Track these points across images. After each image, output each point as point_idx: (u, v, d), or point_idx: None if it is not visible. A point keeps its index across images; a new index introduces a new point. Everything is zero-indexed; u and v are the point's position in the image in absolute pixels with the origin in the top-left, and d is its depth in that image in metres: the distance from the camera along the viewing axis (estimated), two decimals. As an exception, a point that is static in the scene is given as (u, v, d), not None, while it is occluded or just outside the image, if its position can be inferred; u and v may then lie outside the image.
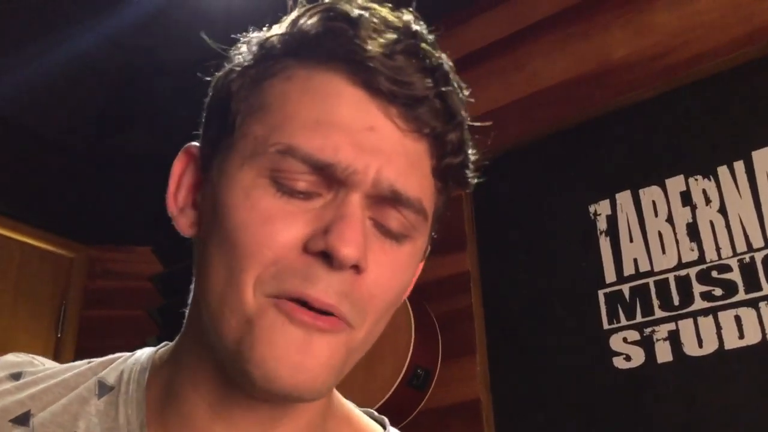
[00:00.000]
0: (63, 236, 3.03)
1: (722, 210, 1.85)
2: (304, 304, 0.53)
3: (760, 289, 1.73)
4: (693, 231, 1.87)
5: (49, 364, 0.69)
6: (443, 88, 0.56)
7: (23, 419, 0.63)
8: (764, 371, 1.67)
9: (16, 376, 0.67)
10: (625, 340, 1.88)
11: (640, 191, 1.98)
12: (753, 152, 1.85)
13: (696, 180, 1.91)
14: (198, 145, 0.64)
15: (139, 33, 2.49)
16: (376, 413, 0.72)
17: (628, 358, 1.87)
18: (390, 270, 0.57)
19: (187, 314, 0.65)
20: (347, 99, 0.55)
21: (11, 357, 0.69)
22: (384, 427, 0.70)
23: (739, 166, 1.86)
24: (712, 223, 1.85)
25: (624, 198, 2.00)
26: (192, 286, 0.64)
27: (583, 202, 2.07)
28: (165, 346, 0.68)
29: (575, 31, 2.21)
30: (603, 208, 2.03)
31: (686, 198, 1.91)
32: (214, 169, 0.59)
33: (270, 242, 0.53)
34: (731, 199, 1.84)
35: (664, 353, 1.82)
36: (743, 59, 1.91)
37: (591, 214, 2.05)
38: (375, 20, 0.56)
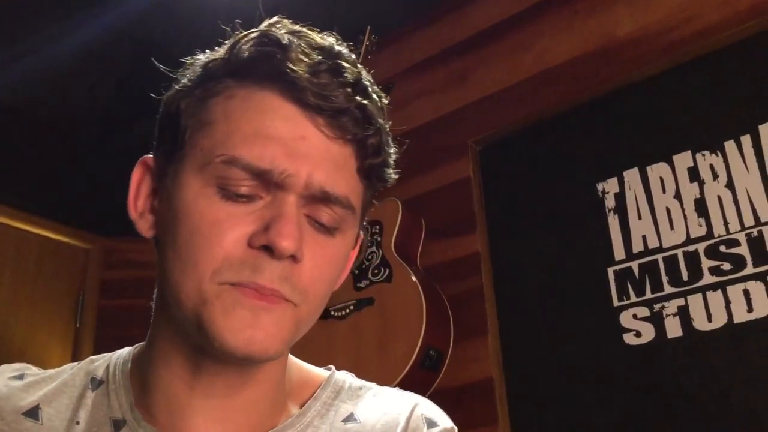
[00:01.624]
0: (79, 228, 3.08)
1: (730, 185, 1.85)
2: (253, 288, 0.63)
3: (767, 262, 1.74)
4: (701, 206, 1.88)
5: (44, 371, 0.79)
6: (362, 101, 0.66)
7: (34, 413, 0.73)
8: (774, 344, 1.69)
9: (19, 377, 0.77)
10: (635, 316, 1.90)
11: (648, 168, 1.99)
12: (759, 126, 1.85)
13: (703, 155, 1.91)
14: (152, 157, 0.72)
15: (145, 23, 2.51)
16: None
17: (638, 335, 1.88)
18: (323, 259, 0.67)
19: (153, 308, 0.74)
20: (281, 113, 0.64)
21: (11, 365, 0.79)
22: (330, 370, 0.81)
23: (746, 140, 1.86)
24: (719, 198, 1.86)
25: (632, 175, 2.01)
26: (156, 282, 0.73)
27: (590, 181, 2.08)
28: (142, 343, 0.78)
29: (581, 8, 2.21)
30: (611, 186, 2.04)
31: (694, 174, 1.91)
32: (169, 177, 0.68)
33: (220, 241, 0.63)
34: (738, 174, 1.85)
35: (674, 328, 1.83)
36: (749, 33, 1.91)
37: (599, 192, 2.06)
38: (302, 44, 0.65)
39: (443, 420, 0.76)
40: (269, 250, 0.62)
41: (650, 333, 1.87)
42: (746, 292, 1.76)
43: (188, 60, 0.72)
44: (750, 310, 1.74)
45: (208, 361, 0.67)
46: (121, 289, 3.09)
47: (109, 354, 0.80)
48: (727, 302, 1.77)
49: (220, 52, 0.69)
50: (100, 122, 3.13)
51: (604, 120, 2.12)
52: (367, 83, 0.68)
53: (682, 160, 1.94)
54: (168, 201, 0.67)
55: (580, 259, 2.04)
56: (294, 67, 0.64)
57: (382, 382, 1.98)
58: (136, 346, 0.78)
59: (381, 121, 0.68)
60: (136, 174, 0.73)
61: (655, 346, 1.85)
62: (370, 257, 2.19)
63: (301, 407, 0.75)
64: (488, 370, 2.04)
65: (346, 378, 0.80)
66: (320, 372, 0.80)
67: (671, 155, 1.96)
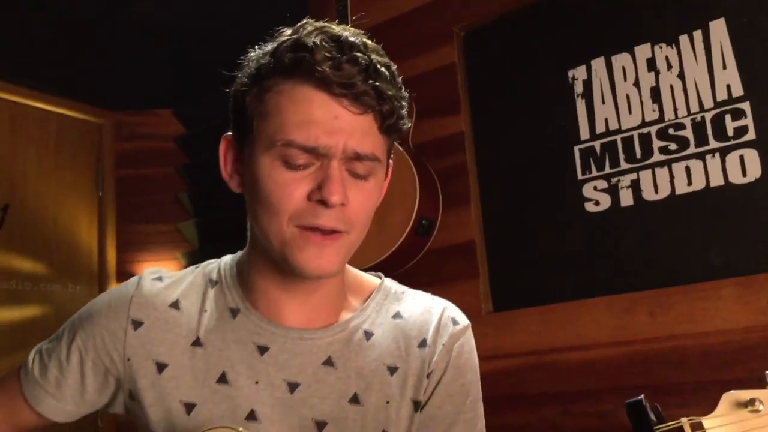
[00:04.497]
0: (90, 104, 3.31)
1: (681, 75, 2.14)
2: (317, 229, 0.92)
3: (707, 143, 2.07)
4: (656, 94, 2.17)
5: (172, 272, 1.11)
6: (375, 82, 0.91)
7: (176, 305, 1.05)
8: (706, 212, 2.05)
9: (159, 279, 1.08)
10: (595, 188, 2.24)
11: (613, 58, 2.26)
12: (710, 22, 2.10)
13: (660, 48, 2.18)
14: (231, 134, 1.02)
15: None
16: (372, 272, 1.15)
17: (597, 203, 2.24)
18: (363, 198, 0.95)
19: (249, 236, 1.05)
20: (317, 102, 0.90)
21: (149, 269, 1.11)
22: (380, 278, 1.13)
23: (698, 35, 2.12)
24: (671, 87, 2.15)
25: (598, 64, 2.28)
26: (248, 219, 1.03)
27: (562, 68, 2.35)
28: (241, 253, 1.10)
29: None
30: (580, 73, 2.32)
31: (651, 64, 2.19)
32: (246, 154, 0.98)
33: (289, 199, 0.92)
34: (689, 65, 2.13)
35: (626, 198, 2.18)
36: (707, -66, 2.11)
37: (569, 79, 2.33)
38: (325, 42, 0.90)
39: (462, 319, 1.09)
40: (324, 202, 0.90)
41: (607, 202, 2.22)
42: (687, 169, 2.09)
43: (244, 59, 0.99)
44: (689, 183, 2.09)
45: (293, 274, 0.97)
46: (134, 159, 3.38)
47: (216, 260, 1.12)
48: (672, 177, 2.12)
49: (268, 50, 0.94)
50: (101, 2, 3.26)
51: (577, 11, 2.35)
52: (377, 63, 0.92)
53: (642, 51, 2.21)
54: (249, 171, 0.96)
55: (551, 138, 2.35)
56: (322, 67, 0.88)
57: (382, 248, 2.34)
58: (235, 255, 1.10)
59: (391, 91, 0.93)
60: (222, 147, 1.02)
61: (610, 213, 2.21)
62: (367, 137, 2.48)
63: (361, 305, 1.08)
64: (471, 234, 2.41)
65: (392, 285, 1.12)
66: (372, 279, 1.13)
67: (633, 46, 2.23)
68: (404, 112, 0.97)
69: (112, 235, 3.20)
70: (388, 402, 1.01)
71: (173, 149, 3.36)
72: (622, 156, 2.21)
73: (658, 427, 0.66)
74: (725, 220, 2.02)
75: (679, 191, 2.10)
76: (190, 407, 0.99)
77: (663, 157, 2.14)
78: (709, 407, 0.73)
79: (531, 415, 2.21)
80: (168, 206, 3.28)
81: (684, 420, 0.65)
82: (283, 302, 1.02)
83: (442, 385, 1.04)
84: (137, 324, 1.02)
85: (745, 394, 0.66)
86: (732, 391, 0.67)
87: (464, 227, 2.43)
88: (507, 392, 2.26)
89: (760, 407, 0.64)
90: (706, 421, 0.65)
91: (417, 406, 1.03)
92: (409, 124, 1.02)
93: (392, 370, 1.03)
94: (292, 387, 1.00)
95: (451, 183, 2.47)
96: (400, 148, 2.41)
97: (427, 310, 1.08)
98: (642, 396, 0.68)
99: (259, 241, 0.99)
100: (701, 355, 1.96)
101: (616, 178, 2.21)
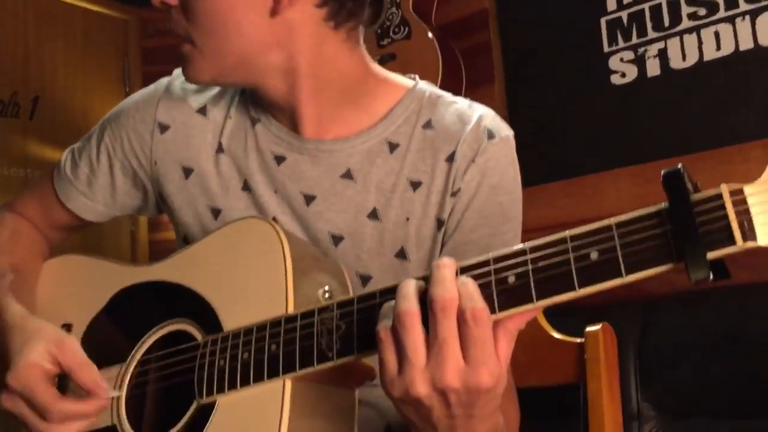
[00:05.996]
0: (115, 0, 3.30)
1: (713, -64, 2.06)
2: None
3: (737, 6, 2.01)
4: (686, -43, 2.10)
5: None
6: None
7: (203, 111, 1.02)
8: (734, 77, 2.01)
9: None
10: (621, 59, 2.20)
11: None
12: None
13: None
14: None
15: None
16: (409, 75, 1.05)
17: (623, 75, 2.20)
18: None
19: None
20: None
21: (180, 70, 1.05)
22: (414, 80, 1.03)
23: None
24: (702, -51, 2.08)
25: (628, -72, 2.21)
26: None
27: (590, -64, 2.28)
28: None
29: None
30: (608, -60, 2.24)
31: (682, -74, 2.11)
32: None
33: None
34: (721, -74, 2.05)
35: (653, 68, 2.14)
36: None
37: (597, -54, 2.26)
38: None
39: (500, 130, 0.96)
40: None
41: (633, 73, 2.18)
42: (716, 34, 2.04)
43: None
44: (718, 48, 2.04)
45: None
46: (159, 55, 3.37)
47: None
48: (700, 43, 2.07)
49: None
50: None
51: None
52: None
53: None
54: None
55: (576, 11, 2.29)
56: None
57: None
58: None
59: None
60: None
61: (637, 84, 2.17)
62: (390, 17, 2.45)
63: (389, 111, 0.97)
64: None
65: (426, 88, 1.00)
66: (405, 82, 1.01)
67: None
68: None
69: (140, 129, 3.24)
70: (408, 219, 0.95)
71: (198, 45, 3.35)
72: (649, 24, 2.16)
73: (694, 195, 0.59)
74: (754, 83, 1.98)
75: (707, 57, 2.06)
76: (216, 212, 1.00)
77: (691, 24, 2.08)
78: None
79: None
80: (194, 101, 3.29)
81: (723, 186, 0.57)
82: (293, 111, 0.96)
83: (475, 208, 0.94)
84: (164, 128, 1.01)
85: (792, 165, 0.57)
86: (779, 161, 0.57)
87: (488, 106, 2.40)
88: (530, 267, 2.28)
89: (807, 173, 0.55)
90: (747, 188, 0.57)
91: (440, 224, 0.95)
92: None
93: (415, 185, 0.95)
94: (308, 199, 0.96)
95: (474, 62, 2.44)
96: (423, 24, 2.38)
97: (461, 119, 0.95)
98: (680, 164, 0.61)
99: None
100: (725, 220, 1.95)
101: (643, 48, 2.16)
